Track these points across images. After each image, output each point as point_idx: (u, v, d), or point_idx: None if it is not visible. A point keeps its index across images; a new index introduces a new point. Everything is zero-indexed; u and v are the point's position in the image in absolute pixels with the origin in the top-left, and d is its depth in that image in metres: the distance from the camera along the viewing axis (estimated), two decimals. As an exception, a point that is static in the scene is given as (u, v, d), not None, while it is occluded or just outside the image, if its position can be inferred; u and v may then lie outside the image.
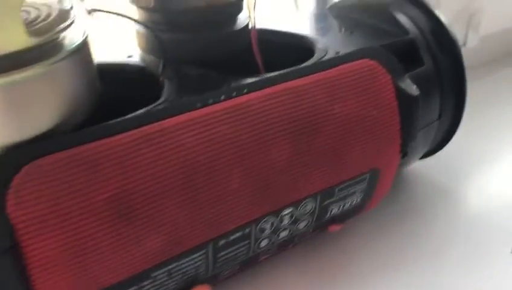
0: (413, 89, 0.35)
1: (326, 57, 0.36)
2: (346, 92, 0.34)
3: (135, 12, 0.38)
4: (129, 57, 0.38)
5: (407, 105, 0.35)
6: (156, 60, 0.36)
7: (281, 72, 0.34)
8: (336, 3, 0.48)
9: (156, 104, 0.31)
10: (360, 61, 0.35)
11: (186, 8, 0.35)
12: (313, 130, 0.32)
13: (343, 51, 0.37)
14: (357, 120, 0.34)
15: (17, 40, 0.24)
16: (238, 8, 0.38)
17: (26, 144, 0.26)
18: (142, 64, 0.37)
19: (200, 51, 0.36)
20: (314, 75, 0.33)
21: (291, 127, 0.32)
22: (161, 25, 0.36)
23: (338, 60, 0.35)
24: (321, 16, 0.48)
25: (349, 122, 0.34)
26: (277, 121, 0.31)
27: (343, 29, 0.42)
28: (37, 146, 0.26)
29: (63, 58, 0.27)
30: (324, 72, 0.33)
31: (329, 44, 0.39)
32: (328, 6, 0.48)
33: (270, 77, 0.33)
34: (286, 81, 0.32)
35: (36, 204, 0.25)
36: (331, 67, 0.34)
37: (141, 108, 0.32)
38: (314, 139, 0.32)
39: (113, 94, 0.35)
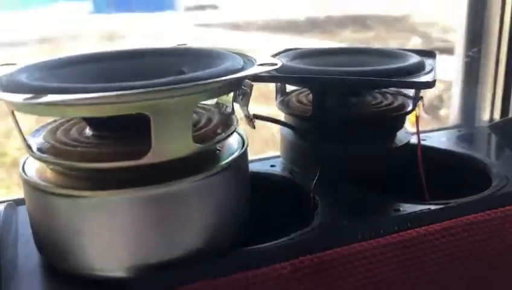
0: None
1: (508, 186, 0.30)
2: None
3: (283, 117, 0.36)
4: (272, 166, 0.35)
5: None
6: (303, 172, 0.32)
7: (461, 201, 0.28)
8: (499, 123, 0.42)
9: (312, 226, 0.26)
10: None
11: (347, 118, 0.32)
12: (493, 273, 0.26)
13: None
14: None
15: (183, 145, 0.22)
16: (401, 123, 0.34)
17: (175, 265, 0.22)
18: (287, 175, 0.33)
19: (356, 165, 0.32)
20: (504, 208, 0.27)
21: (473, 266, 0.26)
22: (314, 134, 0.32)
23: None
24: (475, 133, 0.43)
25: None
26: (459, 259, 0.25)
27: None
28: (185, 271, 0.22)
29: (221, 170, 0.24)
30: (514, 207, 0.27)
31: (504, 169, 0.33)
32: (489, 124, 0.43)
33: (449, 207, 0.27)
34: (470, 213, 0.27)
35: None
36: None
37: (283, 220, 0.28)
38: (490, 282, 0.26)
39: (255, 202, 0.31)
